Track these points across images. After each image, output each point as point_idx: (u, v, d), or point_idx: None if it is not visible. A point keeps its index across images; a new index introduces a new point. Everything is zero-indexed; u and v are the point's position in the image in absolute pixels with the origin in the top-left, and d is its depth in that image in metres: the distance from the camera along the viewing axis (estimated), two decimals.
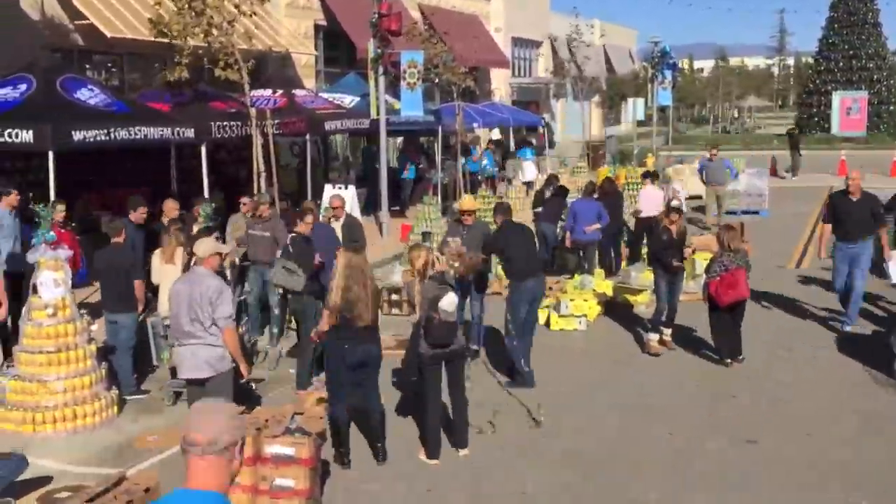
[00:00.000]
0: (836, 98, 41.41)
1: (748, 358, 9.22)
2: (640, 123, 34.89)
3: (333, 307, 6.41)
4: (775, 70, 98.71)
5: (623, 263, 13.55)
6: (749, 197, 20.31)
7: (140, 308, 8.34)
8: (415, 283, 6.75)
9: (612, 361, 9.46)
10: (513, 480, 6.48)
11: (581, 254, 12.60)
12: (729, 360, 9.06)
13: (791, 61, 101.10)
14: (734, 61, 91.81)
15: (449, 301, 6.48)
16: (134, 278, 8.22)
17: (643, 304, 11.43)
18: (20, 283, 8.89)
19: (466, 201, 9.60)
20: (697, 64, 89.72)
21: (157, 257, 8.71)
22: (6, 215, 9.14)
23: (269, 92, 15.79)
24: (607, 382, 8.76)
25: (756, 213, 20.04)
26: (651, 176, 14.69)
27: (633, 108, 31.98)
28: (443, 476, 6.53)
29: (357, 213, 13.77)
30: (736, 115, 65.62)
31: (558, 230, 13.78)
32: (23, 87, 11.06)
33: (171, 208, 10.10)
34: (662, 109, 39.46)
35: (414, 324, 7.15)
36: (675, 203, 10.40)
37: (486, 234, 9.20)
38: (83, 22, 15.34)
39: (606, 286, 11.55)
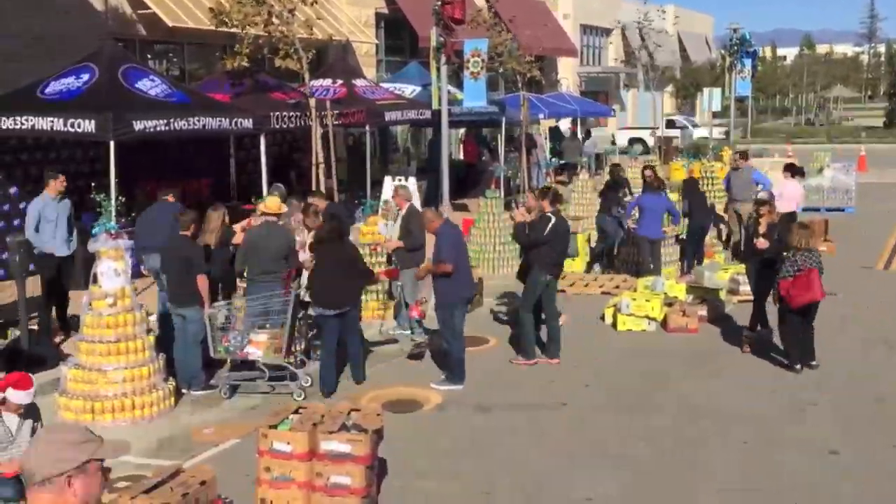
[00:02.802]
0: None
1: (830, 364, 8.97)
2: (716, 115, 34.19)
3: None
4: (864, 58, 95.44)
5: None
6: (834, 193, 19.79)
7: (206, 303, 8.42)
8: None
9: (681, 364, 9.32)
10: (575, 485, 6.44)
11: (649, 251, 12.38)
12: (799, 366, 8.84)
13: (882, 48, 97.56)
14: (820, 49, 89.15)
15: None
16: (196, 272, 8.30)
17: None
18: (64, 266, 9.63)
19: (270, 202, 9.31)
20: (780, 51, 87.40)
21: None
22: (49, 201, 9.55)
23: (328, 82, 16.01)
24: (675, 386, 8.63)
25: (841, 210, 19.48)
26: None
27: (709, 99, 31.30)
28: (501, 478, 6.54)
29: (417, 206, 13.84)
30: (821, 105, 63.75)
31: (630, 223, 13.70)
32: (85, 76, 11.44)
33: None
34: (741, 100, 38.57)
35: None
36: (762, 195, 10.23)
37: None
38: (145, 11, 15.82)
39: (679, 290, 11.33)
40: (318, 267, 8.44)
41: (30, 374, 6.16)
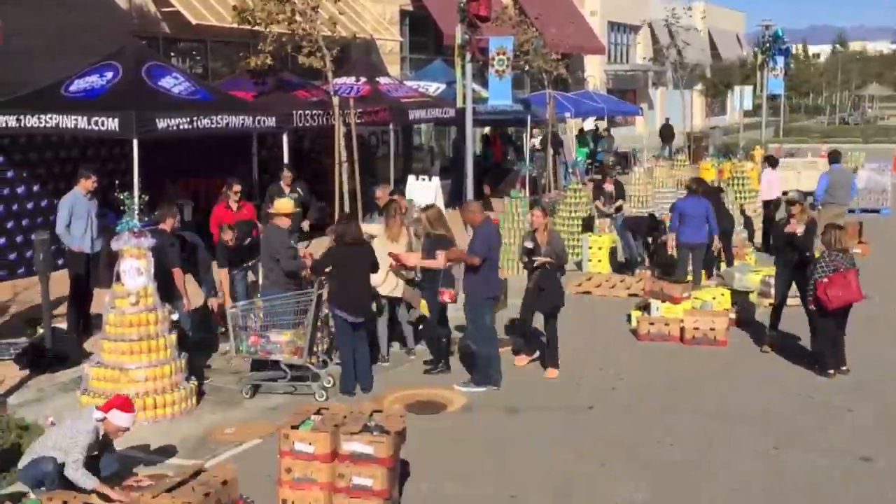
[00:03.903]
0: None
1: (864, 369, 8.87)
2: (747, 114, 33.89)
3: None
4: None
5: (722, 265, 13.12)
6: (870, 194, 19.58)
7: (185, 300, 8.68)
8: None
9: (709, 367, 9.24)
10: (603, 489, 6.42)
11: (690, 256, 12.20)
12: (832, 371, 8.74)
13: None
14: (854, 46, 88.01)
15: None
16: (171, 266, 8.54)
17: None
18: (91, 265, 9.86)
19: (279, 203, 9.14)
20: (813, 49, 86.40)
21: (380, 238, 9.21)
22: (80, 197, 9.69)
23: (352, 80, 16.06)
24: (703, 390, 8.57)
25: (877, 211, 19.27)
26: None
27: (741, 97, 31.03)
28: (527, 481, 6.53)
29: (441, 206, 13.85)
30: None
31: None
32: (109, 74, 11.57)
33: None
34: (773, 98, 38.21)
35: None
36: (792, 195, 10.11)
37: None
38: (169, 9, 15.98)
39: (709, 293, 11.20)
40: (338, 268, 8.38)
41: (132, 400, 6.32)
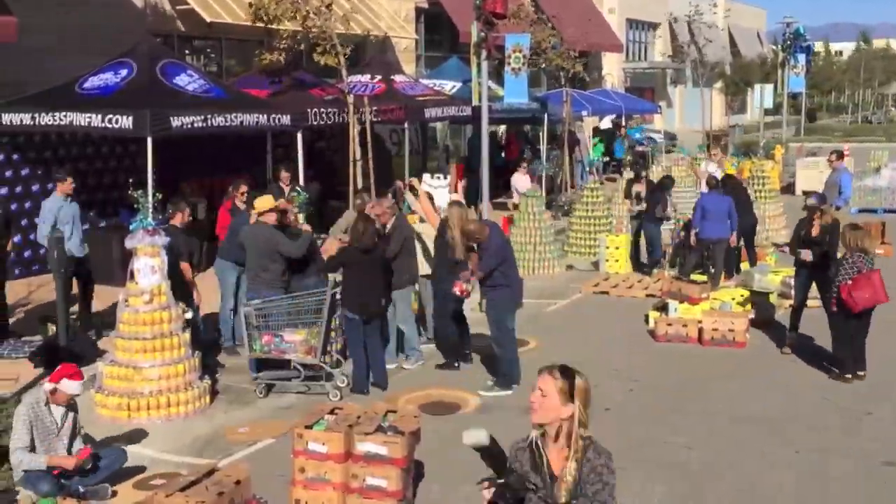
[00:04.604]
0: None
1: (882, 372, 8.81)
2: (768, 112, 33.69)
3: None
4: None
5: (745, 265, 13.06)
6: (892, 194, 19.42)
7: (195, 293, 8.81)
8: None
9: (727, 369, 9.20)
10: (619, 492, 6.38)
11: (705, 253, 12.19)
12: (849, 375, 8.68)
13: None
14: (878, 43, 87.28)
15: None
16: (179, 260, 8.62)
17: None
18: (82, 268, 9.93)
19: (258, 201, 8.97)
20: (836, 46, 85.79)
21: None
22: (59, 201, 9.78)
23: (367, 78, 16.09)
24: (722, 392, 8.53)
25: None
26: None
27: (761, 96, 30.85)
28: None
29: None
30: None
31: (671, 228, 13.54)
32: (123, 72, 11.64)
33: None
34: (794, 97, 37.98)
35: None
36: (810, 202, 10.07)
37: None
38: (184, 7, 16.07)
39: (729, 295, 11.14)
40: (350, 267, 8.39)
41: (79, 367, 6.43)
